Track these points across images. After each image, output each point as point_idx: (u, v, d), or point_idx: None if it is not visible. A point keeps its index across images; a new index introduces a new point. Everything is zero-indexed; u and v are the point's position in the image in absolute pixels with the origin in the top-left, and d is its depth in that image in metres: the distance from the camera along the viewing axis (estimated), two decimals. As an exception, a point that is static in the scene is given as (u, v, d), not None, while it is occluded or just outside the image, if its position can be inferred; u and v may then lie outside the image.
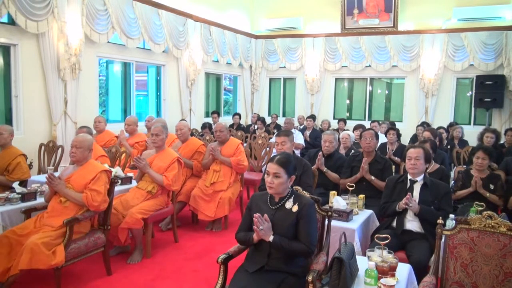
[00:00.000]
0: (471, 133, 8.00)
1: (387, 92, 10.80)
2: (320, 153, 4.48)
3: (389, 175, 3.95)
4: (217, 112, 9.27)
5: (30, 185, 4.02)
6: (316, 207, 2.62)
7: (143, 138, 5.80)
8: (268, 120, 10.14)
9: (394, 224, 3.24)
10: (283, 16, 10.79)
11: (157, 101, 8.80)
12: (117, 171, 4.31)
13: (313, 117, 9.11)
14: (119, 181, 4.09)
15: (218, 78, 10.71)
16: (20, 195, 3.52)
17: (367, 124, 8.75)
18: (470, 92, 9.58)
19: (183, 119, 8.33)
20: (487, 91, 8.67)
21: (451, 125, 8.28)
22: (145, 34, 7.28)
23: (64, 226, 3.04)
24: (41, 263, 2.84)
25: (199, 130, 8.47)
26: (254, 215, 2.33)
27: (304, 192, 2.71)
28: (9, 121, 5.66)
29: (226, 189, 4.75)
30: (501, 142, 6.54)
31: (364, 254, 2.69)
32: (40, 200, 3.58)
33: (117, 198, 3.88)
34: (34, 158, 5.16)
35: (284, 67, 11.07)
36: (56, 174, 3.62)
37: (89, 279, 3.42)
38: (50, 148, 5.43)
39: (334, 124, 9.84)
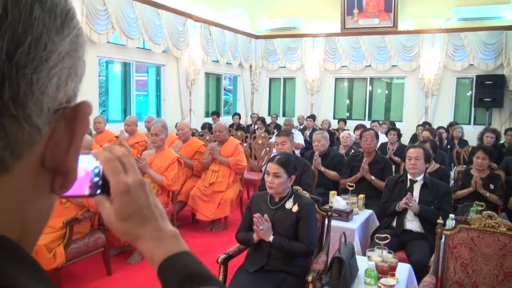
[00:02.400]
0: (471, 133, 8.00)
1: (387, 92, 10.80)
2: (316, 153, 4.49)
3: (389, 175, 3.96)
4: (216, 113, 9.26)
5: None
6: (316, 207, 2.62)
7: (143, 138, 5.80)
8: (268, 120, 10.14)
9: (394, 224, 3.24)
10: (283, 16, 10.78)
11: (157, 101, 8.81)
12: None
13: (313, 117, 9.10)
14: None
15: (218, 78, 10.71)
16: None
17: (367, 124, 8.74)
18: (470, 92, 9.58)
19: (183, 119, 8.34)
20: (487, 91, 8.67)
21: (451, 125, 8.28)
22: (145, 34, 7.28)
23: (64, 227, 3.05)
24: (43, 265, 2.83)
25: (199, 130, 8.47)
26: (254, 215, 2.33)
27: (304, 192, 2.71)
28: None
29: (225, 189, 4.75)
30: (501, 142, 6.54)
31: (364, 254, 2.69)
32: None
33: (117, 198, 3.87)
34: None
35: (284, 67, 11.07)
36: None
37: (89, 279, 3.42)
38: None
39: (334, 124, 9.83)
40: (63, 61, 0.35)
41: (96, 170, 0.54)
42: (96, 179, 0.54)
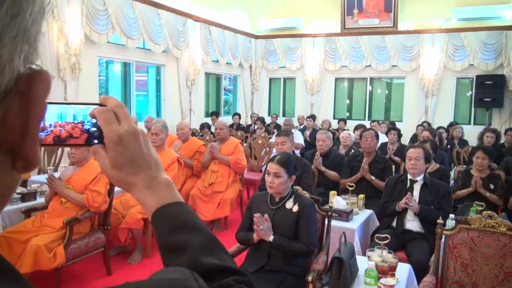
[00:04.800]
0: (471, 133, 8.00)
1: (387, 92, 10.79)
2: (318, 153, 4.49)
3: (389, 175, 3.96)
4: (216, 113, 9.26)
5: (30, 185, 4.01)
6: (316, 207, 2.62)
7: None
8: (268, 120, 10.14)
9: (394, 224, 3.24)
10: (283, 16, 10.78)
11: (157, 101, 8.81)
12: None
13: (313, 117, 9.10)
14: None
15: (218, 78, 10.71)
16: (20, 195, 3.52)
17: (367, 124, 8.74)
18: (470, 92, 9.58)
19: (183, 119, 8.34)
20: (487, 91, 8.67)
21: (451, 125, 8.28)
22: (145, 34, 7.28)
23: (64, 227, 3.05)
24: (43, 265, 2.86)
25: (199, 130, 8.47)
26: (254, 215, 2.33)
27: (304, 192, 2.71)
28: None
29: (225, 189, 4.74)
30: (501, 142, 6.54)
31: (364, 254, 2.69)
32: (40, 200, 3.57)
33: (117, 198, 3.88)
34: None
35: (284, 67, 11.07)
36: (56, 174, 3.62)
37: (89, 279, 3.42)
38: (50, 149, 5.42)
39: (334, 124, 9.83)
40: (1, 40, 0.30)
41: (94, 121, 0.56)
42: (94, 129, 0.57)
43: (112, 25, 6.58)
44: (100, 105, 0.57)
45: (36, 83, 0.34)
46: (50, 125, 0.55)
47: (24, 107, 0.33)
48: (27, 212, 3.36)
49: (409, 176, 3.34)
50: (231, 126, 9.20)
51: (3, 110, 0.32)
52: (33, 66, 0.35)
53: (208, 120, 9.26)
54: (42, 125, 0.55)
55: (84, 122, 0.56)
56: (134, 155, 0.57)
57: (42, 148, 5.43)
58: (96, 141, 0.57)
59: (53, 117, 0.56)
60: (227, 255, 0.58)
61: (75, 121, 0.56)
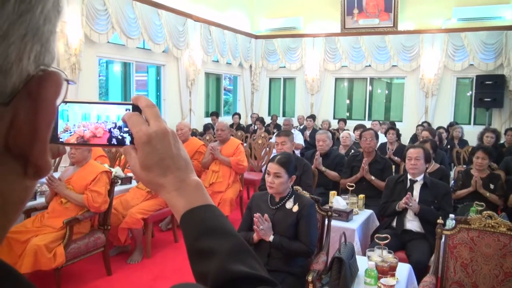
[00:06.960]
0: (471, 133, 7.99)
1: (387, 92, 10.79)
2: (318, 153, 4.49)
3: (389, 175, 3.96)
4: (216, 113, 9.26)
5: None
6: (316, 207, 2.62)
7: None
8: (268, 120, 10.13)
9: (394, 224, 3.24)
10: (283, 16, 10.78)
11: (157, 101, 8.80)
12: (117, 171, 4.31)
13: (313, 117, 9.10)
14: (119, 181, 4.09)
15: (218, 78, 10.71)
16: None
17: (367, 124, 8.74)
18: (470, 92, 9.58)
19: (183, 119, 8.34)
20: (487, 91, 8.67)
21: (451, 125, 8.29)
22: (145, 34, 7.28)
23: (64, 227, 3.05)
24: (43, 265, 2.86)
25: (199, 130, 8.47)
26: (255, 214, 2.33)
27: (304, 192, 2.71)
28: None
29: (225, 190, 4.74)
30: (501, 142, 6.55)
31: (364, 254, 2.69)
32: (40, 200, 3.57)
33: (117, 198, 3.88)
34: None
35: (284, 67, 11.07)
36: (56, 174, 3.62)
37: (89, 279, 3.42)
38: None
39: (334, 124, 9.83)
40: (7, 38, 0.28)
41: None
42: (126, 129, 0.57)
43: (112, 25, 6.58)
44: (132, 104, 0.57)
45: (45, 85, 0.32)
46: (74, 125, 0.55)
47: (34, 110, 0.32)
48: (27, 212, 3.36)
49: (409, 176, 3.34)
50: (231, 126, 9.20)
51: (12, 113, 0.30)
52: (48, 68, 0.33)
53: (208, 120, 9.26)
54: (65, 126, 0.55)
55: (106, 122, 0.57)
56: (163, 156, 0.56)
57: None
58: (128, 141, 0.57)
59: (77, 117, 0.56)
60: (257, 261, 0.57)
61: (98, 121, 0.57)
